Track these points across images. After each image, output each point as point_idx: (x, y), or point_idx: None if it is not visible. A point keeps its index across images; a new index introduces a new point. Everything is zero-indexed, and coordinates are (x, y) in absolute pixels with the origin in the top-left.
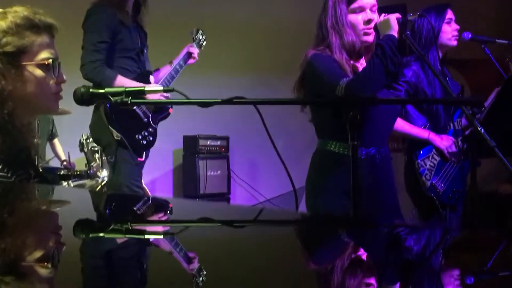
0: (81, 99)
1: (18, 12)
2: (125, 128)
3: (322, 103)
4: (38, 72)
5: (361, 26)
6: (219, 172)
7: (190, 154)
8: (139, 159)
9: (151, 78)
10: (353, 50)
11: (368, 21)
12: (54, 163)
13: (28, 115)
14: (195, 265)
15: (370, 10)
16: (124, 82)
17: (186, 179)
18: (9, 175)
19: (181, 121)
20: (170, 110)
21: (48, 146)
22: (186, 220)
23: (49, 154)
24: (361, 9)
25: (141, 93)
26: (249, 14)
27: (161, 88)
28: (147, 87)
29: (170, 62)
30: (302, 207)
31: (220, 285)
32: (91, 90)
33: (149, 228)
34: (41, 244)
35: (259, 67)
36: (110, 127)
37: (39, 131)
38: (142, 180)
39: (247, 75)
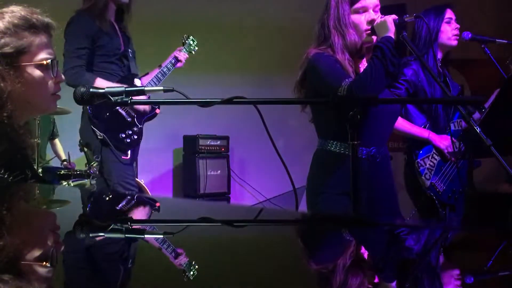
0: (81, 99)
1: (15, 12)
2: (108, 127)
3: (322, 103)
4: (37, 73)
5: (364, 26)
6: (219, 172)
7: (190, 154)
8: (123, 157)
9: (137, 81)
10: (355, 50)
11: (371, 21)
12: (55, 163)
13: (27, 116)
14: (184, 261)
15: (373, 10)
16: (103, 84)
17: (186, 178)
18: (5, 176)
19: (181, 121)
20: (157, 111)
21: (48, 146)
22: (186, 220)
23: (49, 154)
24: (364, 9)
25: (141, 93)
26: (249, 14)
27: (161, 88)
28: (147, 88)
29: (159, 65)
30: (302, 207)
31: (220, 285)
32: (91, 90)
33: (149, 227)
34: (37, 243)
35: (259, 67)
36: (92, 127)
37: (39, 131)
38: (142, 180)
39: (247, 75)
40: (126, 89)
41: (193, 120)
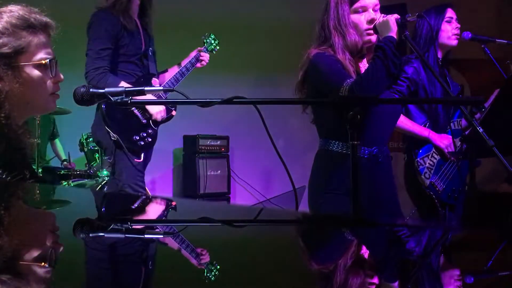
0: (81, 99)
1: (14, 11)
2: (122, 129)
3: (323, 103)
4: (36, 73)
5: (364, 26)
6: (219, 172)
7: (190, 154)
8: (136, 160)
9: (154, 80)
10: (356, 50)
11: (371, 21)
12: (55, 163)
13: (26, 116)
14: (204, 261)
15: (373, 9)
16: None
17: (186, 178)
18: (4, 176)
19: (181, 121)
20: (173, 113)
21: (48, 146)
22: (186, 219)
23: (49, 154)
24: (364, 9)
25: (141, 93)
26: (249, 14)
27: (161, 88)
28: (147, 88)
29: (179, 64)
30: (302, 207)
31: (220, 285)
32: (91, 90)
33: (149, 227)
34: (35, 243)
35: (259, 67)
36: (106, 127)
37: (39, 131)
38: None
39: (247, 75)
40: (126, 89)
41: (193, 120)
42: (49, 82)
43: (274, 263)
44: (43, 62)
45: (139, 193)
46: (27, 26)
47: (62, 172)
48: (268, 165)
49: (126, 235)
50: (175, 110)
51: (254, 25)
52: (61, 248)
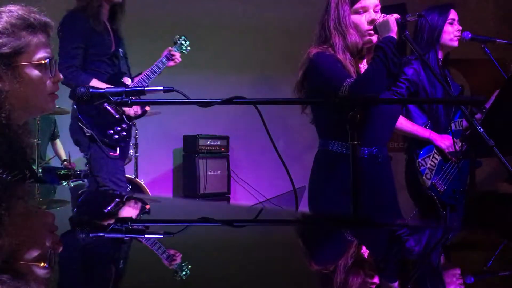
0: (81, 99)
1: (13, 11)
2: (95, 124)
3: (323, 103)
4: (35, 72)
5: (365, 26)
6: (219, 172)
7: (190, 154)
8: (112, 153)
9: (126, 79)
10: (356, 50)
11: (372, 21)
12: (55, 163)
13: (26, 116)
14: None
15: (373, 10)
16: (99, 85)
17: (186, 178)
18: (4, 175)
19: (181, 121)
20: (147, 108)
21: (49, 146)
22: (186, 220)
23: (50, 153)
24: (365, 10)
25: (141, 93)
26: (249, 13)
27: (161, 88)
28: (147, 87)
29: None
30: (302, 207)
31: (220, 285)
32: (90, 90)
33: (150, 227)
34: (35, 243)
35: (259, 67)
36: (79, 123)
37: (39, 131)
38: (142, 180)
39: (247, 75)
40: (126, 89)
41: (193, 120)
42: (48, 82)
43: (274, 263)
44: (43, 62)
45: (121, 187)
46: (27, 26)
47: (62, 172)
48: (268, 165)
49: (126, 235)
50: (148, 105)
51: (255, 25)
52: (60, 248)
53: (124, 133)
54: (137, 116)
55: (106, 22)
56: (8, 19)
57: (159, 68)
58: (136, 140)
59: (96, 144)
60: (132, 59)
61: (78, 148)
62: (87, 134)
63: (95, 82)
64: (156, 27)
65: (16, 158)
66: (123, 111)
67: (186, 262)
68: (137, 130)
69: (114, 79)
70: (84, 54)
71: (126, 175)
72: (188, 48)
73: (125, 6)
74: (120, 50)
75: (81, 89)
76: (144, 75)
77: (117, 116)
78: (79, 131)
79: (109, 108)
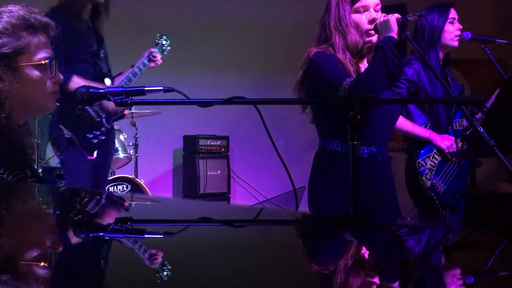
0: (82, 99)
1: (14, 11)
2: (75, 126)
3: (323, 103)
4: (35, 73)
5: (365, 26)
6: (219, 172)
7: (190, 154)
8: (89, 157)
9: (107, 80)
10: (357, 50)
11: (372, 21)
12: (55, 163)
13: (26, 116)
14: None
15: (374, 9)
16: (80, 83)
17: (186, 178)
18: (5, 175)
19: (181, 121)
20: (126, 112)
21: (49, 146)
22: (186, 220)
23: (50, 153)
24: (365, 9)
25: (141, 93)
26: (249, 13)
27: (161, 88)
28: (147, 87)
29: (132, 66)
30: (302, 207)
31: (220, 285)
32: (91, 90)
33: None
34: (34, 243)
35: (259, 67)
36: (60, 125)
37: (39, 131)
38: (142, 180)
39: (247, 75)
40: (126, 89)
41: (193, 120)
42: (48, 82)
43: (274, 263)
44: (43, 62)
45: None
46: (27, 26)
47: (62, 172)
48: (268, 165)
49: (126, 235)
50: (127, 110)
51: (255, 25)
52: (60, 248)
53: (103, 137)
54: (117, 118)
55: (89, 21)
56: (8, 19)
57: (141, 70)
58: (136, 140)
59: (74, 146)
60: (115, 58)
61: None
62: (66, 136)
63: (75, 79)
64: (150, 26)
65: (16, 158)
66: (104, 114)
67: (186, 262)
68: (137, 130)
69: (97, 80)
70: (65, 53)
71: (126, 175)
72: (168, 48)
73: (110, 6)
74: (102, 50)
75: (81, 89)
76: (126, 76)
77: (97, 119)
78: (59, 131)
79: (89, 110)
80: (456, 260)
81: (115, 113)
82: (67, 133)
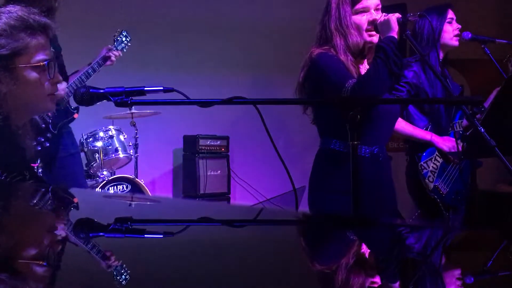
0: (82, 99)
1: (12, 12)
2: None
3: (323, 103)
4: (34, 74)
5: (366, 26)
6: (219, 172)
7: (190, 154)
8: (32, 164)
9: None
10: (358, 51)
11: (373, 21)
12: None
13: (25, 117)
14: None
15: (374, 10)
16: None
17: (186, 179)
18: (2, 177)
19: (181, 121)
20: (75, 116)
21: None
22: (186, 220)
23: None
24: (366, 10)
25: (141, 93)
26: (249, 13)
27: (161, 88)
28: (147, 87)
29: (89, 63)
30: (302, 207)
31: (220, 285)
32: (91, 90)
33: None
34: (34, 243)
35: (259, 67)
36: None
37: None
38: (142, 180)
39: (247, 75)
40: (126, 89)
41: (193, 120)
42: (47, 84)
43: (274, 263)
44: (41, 63)
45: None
46: (26, 27)
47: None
48: (268, 165)
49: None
50: (77, 113)
51: (255, 25)
52: (60, 248)
53: (48, 143)
54: (65, 122)
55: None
56: (7, 20)
57: (95, 70)
58: (136, 140)
59: None
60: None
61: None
62: None
63: None
64: (148, 26)
65: (15, 159)
66: (50, 120)
67: (186, 262)
68: (137, 130)
69: None
70: None
71: (126, 175)
72: (129, 44)
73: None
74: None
75: (81, 90)
76: (78, 79)
77: (42, 126)
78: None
79: (35, 116)
80: (456, 260)
81: (60, 114)
82: None
